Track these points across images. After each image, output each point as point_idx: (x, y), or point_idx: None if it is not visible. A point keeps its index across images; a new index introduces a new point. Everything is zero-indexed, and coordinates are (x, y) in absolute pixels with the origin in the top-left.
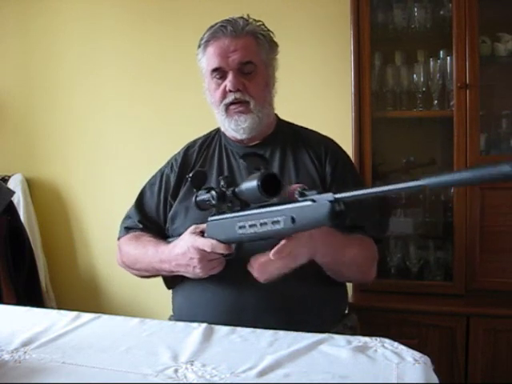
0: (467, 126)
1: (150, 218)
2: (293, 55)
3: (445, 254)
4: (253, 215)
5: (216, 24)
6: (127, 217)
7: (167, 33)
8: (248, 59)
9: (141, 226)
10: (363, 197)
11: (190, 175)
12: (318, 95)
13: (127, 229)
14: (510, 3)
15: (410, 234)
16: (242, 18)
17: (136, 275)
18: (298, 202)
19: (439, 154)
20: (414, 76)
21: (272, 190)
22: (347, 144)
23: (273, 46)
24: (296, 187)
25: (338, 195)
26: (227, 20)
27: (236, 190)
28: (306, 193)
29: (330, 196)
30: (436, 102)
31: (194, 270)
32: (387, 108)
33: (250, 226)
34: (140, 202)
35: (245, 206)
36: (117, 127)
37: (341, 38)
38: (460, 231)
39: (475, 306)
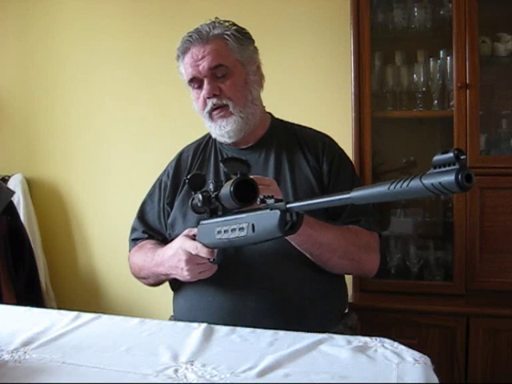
0: (467, 126)
1: (154, 228)
2: (293, 55)
3: (445, 254)
4: (227, 221)
5: (185, 35)
6: (132, 229)
7: (168, 33)
8: (217, 63)
9: (146, 236)
10: (314, 207)
11: (188, 177)
12: (317, 95)
13: (134, 241)
14: (510, 3)
15: (409, 233)
16: (210, 22)
17: (145, 284)
18: (260, 209)
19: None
20: (414, 76)
21: (249, 195)
22: (347, 144)
23: (245, 42)
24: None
25: (290, 205)
26: (195, 28)
27: (218, 194)
28: (267, 200)
29: (282, 205)
30: (436, 102)
31: (181, 272)
32: (387, 108)
33: (225, 231)
34: (142, 213)
35: (226, 210)
36: (117, 127)
37: (341, 38)
38: (460, 231)
39: (475, 305)
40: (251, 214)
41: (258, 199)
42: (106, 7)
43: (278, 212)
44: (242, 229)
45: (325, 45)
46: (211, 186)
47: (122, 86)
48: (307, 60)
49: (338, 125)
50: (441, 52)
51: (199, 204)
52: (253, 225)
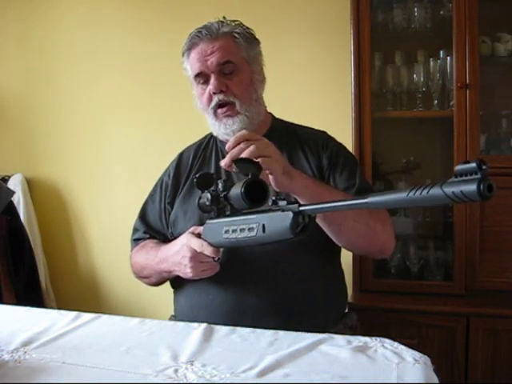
0: (467, 126)
1: (155, 228)
2: (293, 55)
3: (445, 254)
4: (236, 221)
5: (193, 31)
6: (134, 229)
7: (169, 36)
8: (226, 59)
9: (147, 236)
10: (328, 210)
11: (197, 176)
12: (317, 95)
13: (136, 241)
14: (510, 3)
15: (409, 233)
16: (218, 20)
17: (147, 283)
18: (271, 210)
19: (439, 153)
20: (414, 76)
21: (259, 196)
22: (347, 144)
23: (252, 42)
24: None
25: (302, 207)
26: (203, 25)
27: (227, 194)
28: (279, 202)
29: (295, 207)
30: (436, 101)
31: (184, 268)
32: (387, 108)
33: (233, 231)
34: (143, 213)
35: (235, 210)
36: (117, 127)
37: (341, 38)
38: (460, 231)
39: (475, 305)
40: (262, 214)
41: (270, 200)
42: (106, 10)
43: (290, 214)
44: (251, 229)
45: (325, 45)
46: (220, 186)
47: (123, 86)
48: (307, 60)
49: (338, 125)
50: (441, 52)
51: (207, 203)
52: (263, 225)
